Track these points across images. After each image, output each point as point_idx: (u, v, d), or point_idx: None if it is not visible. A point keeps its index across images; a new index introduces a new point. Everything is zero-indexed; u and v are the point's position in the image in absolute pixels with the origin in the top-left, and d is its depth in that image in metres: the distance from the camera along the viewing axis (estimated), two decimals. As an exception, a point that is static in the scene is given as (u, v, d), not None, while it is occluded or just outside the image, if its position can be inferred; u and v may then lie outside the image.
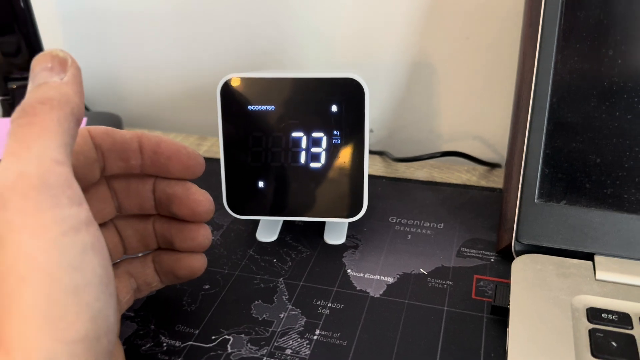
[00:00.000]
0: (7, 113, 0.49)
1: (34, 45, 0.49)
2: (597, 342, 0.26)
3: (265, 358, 0.27)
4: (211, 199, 0.29)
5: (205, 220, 0.28)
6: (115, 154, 0.26)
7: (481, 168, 0.44)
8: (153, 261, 0.29)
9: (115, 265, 0.29)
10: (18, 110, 0.20)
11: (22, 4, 0.47)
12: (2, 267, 0.17)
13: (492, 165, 0.44)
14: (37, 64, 0.22)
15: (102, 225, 0.28)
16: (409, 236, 0.36)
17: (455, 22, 0.44)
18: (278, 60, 0.49)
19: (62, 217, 0.18)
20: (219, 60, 0.51)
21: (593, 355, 0.26)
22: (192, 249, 0.29)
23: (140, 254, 0.30)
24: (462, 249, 0.35)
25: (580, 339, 0.27)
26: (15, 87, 0.49)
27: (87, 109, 0.56)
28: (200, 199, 0.28)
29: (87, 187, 0.26)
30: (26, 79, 0.49)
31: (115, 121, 0.50)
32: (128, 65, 0.55)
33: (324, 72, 0.33)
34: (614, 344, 0.26)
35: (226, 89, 0.33)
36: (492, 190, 0.40)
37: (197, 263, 0.29)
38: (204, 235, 0.28)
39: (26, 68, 0.49)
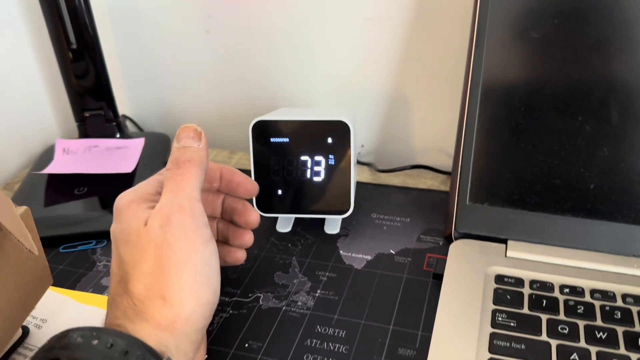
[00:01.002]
0: (83, 135, 0.63)
1: (101, 73, 0.61)
2: (497, 295, 0.40)
3: (284, 307, 0.42)
4: (259, 215, 0.42)
5: (253, 228, 0.42)
6: (205, 179, 0.39)
7: (442, 176, 0.58)
8: None
9: None
10: (172, 162, 0.34)
11: (90, 32, 0.59)
12: (168, 260, 0.31)
13: (449, 174, 0.58)
14: (182, 132, 0.36)
15: None
16: (385, 227, 0.51)
17: (423, 66, 0.58)
18: (290, 93, 0.64)
19: (201, 234, 0.32)
20: (246, 93, 0.65)
21: (494, 303, 0.40)
22: (240, 246, 0.42)
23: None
24: (421, 235, 0.49)
25: (487, 294, 0.41)
26: (88, 115, 0.63)
27: (140, 129, 0.71)
28: (253, 214, 0.42)
29: None
30: (96, 109, 0.63)
31: (165, 140, 0.65)
32: (175, 97, 0.69)
33: (323, 115, 0.47)
34: (508, 297, 0.40)
35: (256, 127, 0.47)
36: (447, 192, 0.55)
37: (240, 255, 0.42)
38: (250, 238, 0.42)
39: (96, 97, 0.62)
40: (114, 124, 0.64)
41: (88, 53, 0.60)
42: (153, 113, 0.71)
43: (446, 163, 0.60)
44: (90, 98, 0.62)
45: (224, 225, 0.43)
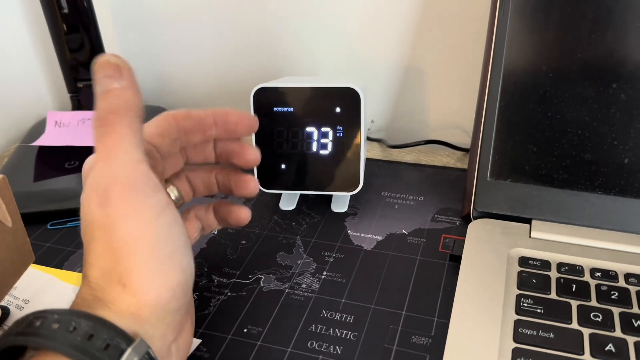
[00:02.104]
0: (76, 107, 0.60)
1: (95, 43, 0.57)
2: (522, 279, 0.37)
3: (287, 290, 0.39)
4: (258, 151, 0.37)
5: (255, 165, 0.37)
6: (196, 130, 0.35)
7: (458, 152, 0.54)
8: (213, 210, 0.39)
9: (186, 210, 0.38)
10: (95, 119, 0.27)
11: (85, 4, 0.55)
12: (118, 243, 0.25)
13: (467, 150, 0.54)
14: (98, 70, 0.27)
15: (176, 175, 0.37)
16: (396, 206, 0.47)
17: (439, 35, 0.54)
18: (296, 63, 0.60)
19: (150, 204, 0.26)
20: (248, 63, 0.62)
21: (518, 288, 0.36)
22: (245, 195, 0.37)
23: (205, 204, 0.39)
24: (436, 215, 0.46)
25: (511, 277, 0.37)
26: (82, 86, 0.59)
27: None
28: (252, 151, 0.37)
29: (167, 155, 0.34)
30: (90, 79, 0.60)
31: (160, 112, 0.61)
32: (174, 68, 0.65)
33: (331, 82, 0.43)
34: (534, 280, 0.37)
35: (257, 95, 0.43)
36: (464, 170, 0.51)
37: (244, 214, 0.38)
38: (255, 185, 0.38)
39: (90, 67, 0.59)
40: (109, 95, 0.60)
41: (81, 21, 0.56)
42: (150, 85, 0.67)
43: (463, 140, 0.56)
44: (84, 68, 0.59)
45: (223, 176, 0.38)
